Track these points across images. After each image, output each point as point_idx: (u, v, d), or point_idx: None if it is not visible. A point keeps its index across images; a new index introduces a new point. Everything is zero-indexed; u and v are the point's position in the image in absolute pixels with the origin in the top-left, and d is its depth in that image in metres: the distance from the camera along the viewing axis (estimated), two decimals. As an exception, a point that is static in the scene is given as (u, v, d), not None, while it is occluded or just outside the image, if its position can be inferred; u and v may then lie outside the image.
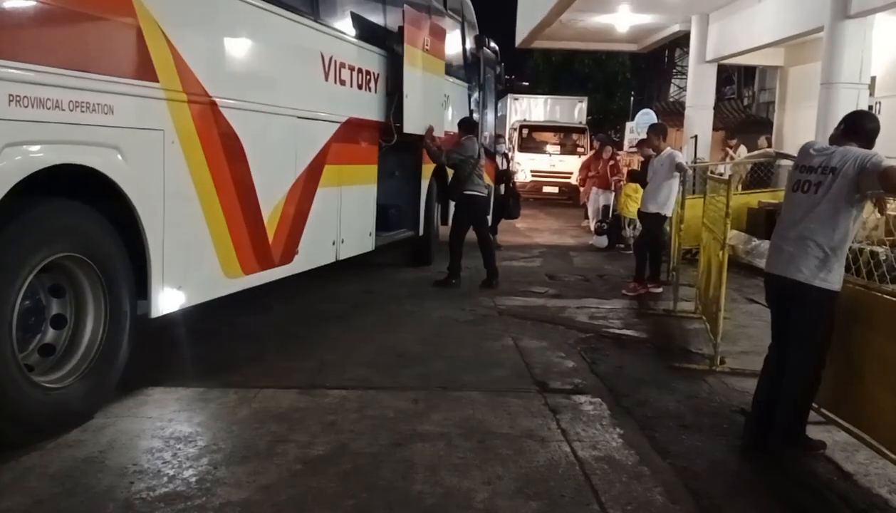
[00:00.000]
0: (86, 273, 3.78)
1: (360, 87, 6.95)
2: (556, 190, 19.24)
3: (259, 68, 5.32)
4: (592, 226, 12.44)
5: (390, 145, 7.58)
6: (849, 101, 10.71)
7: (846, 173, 3.57)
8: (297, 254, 5.81)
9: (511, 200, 11.42)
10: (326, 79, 6.24)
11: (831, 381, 3.78)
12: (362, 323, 6.23)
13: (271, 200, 5.41)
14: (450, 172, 8.58)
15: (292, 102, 5.68)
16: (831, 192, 3.61)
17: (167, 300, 4.29)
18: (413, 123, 7.72)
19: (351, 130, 6.72)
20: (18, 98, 3.26)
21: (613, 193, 12.23)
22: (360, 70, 6.91)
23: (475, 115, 10.70)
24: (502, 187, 11.39)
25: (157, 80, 4.14)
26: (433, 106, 8.51)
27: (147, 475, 3.22)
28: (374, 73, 7.25)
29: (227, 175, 4.83)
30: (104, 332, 3.86)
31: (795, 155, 4.06)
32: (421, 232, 8.92)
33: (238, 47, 5.10)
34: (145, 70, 4.05)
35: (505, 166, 11.69)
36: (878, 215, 4.03)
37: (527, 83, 34.35)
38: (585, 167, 13.18)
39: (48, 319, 3.72)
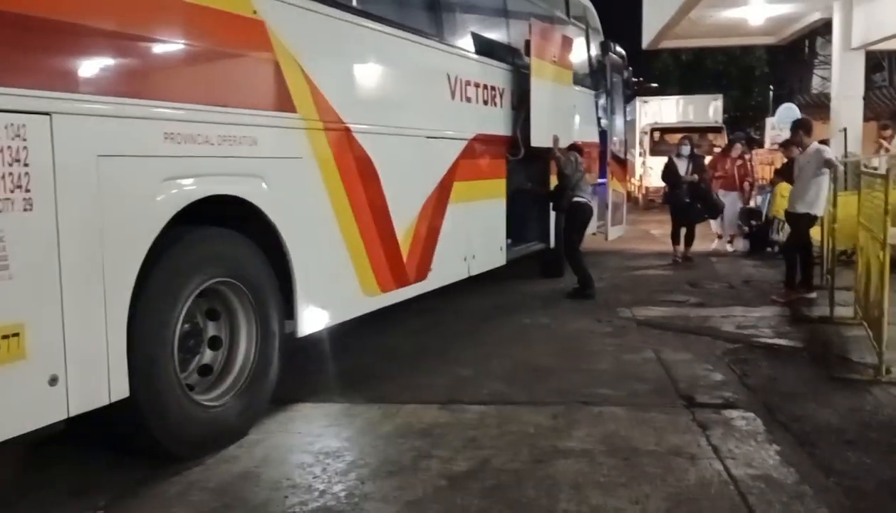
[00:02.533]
0: (238, 296, 4.00)
1: (486, 103, 7.00)
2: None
3: (388, 93, 5.47)
4: (716, 229, 11.66)
5: (518, 159, 7.57)
6: None
7: None
8: (430, 271, 5.90)
9: (699, 202, 10.30)
10: (453, 98, 6.34)
11: None
12: (495, 337, 6.22)
13: (404, 219, 5.54)
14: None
15: (421, 123, 5.80)
16: None
17: (312, 320, 4.47)
18: (540, 136, 7.68)
19: (478, 146, 6.77)
20: (172, 135, 3.51)
21: (741, 194, 11.44)
22: (485, 86, 6.96)
23: (602, 122, 10.52)
24: (684, 189, 10.27)
25: (296, 111, 4.35)
26: (560, 117, 8.44)
27: (300, 490, 3.34)
28: (499, 89, 7.28)
29: (362, 197, 5.00)
30: (256, 351, 4.07)
31: None
32: (552, 244, 8.83)
33: (368, 74, 5.27)
34: (284, 102, 4.27)
35: (691, 170, 10.34)
36: None
37: (656, 85, 33.47)
38: (711, 167, 11.82)
39: (205, 341, 3.97)
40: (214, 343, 3.99)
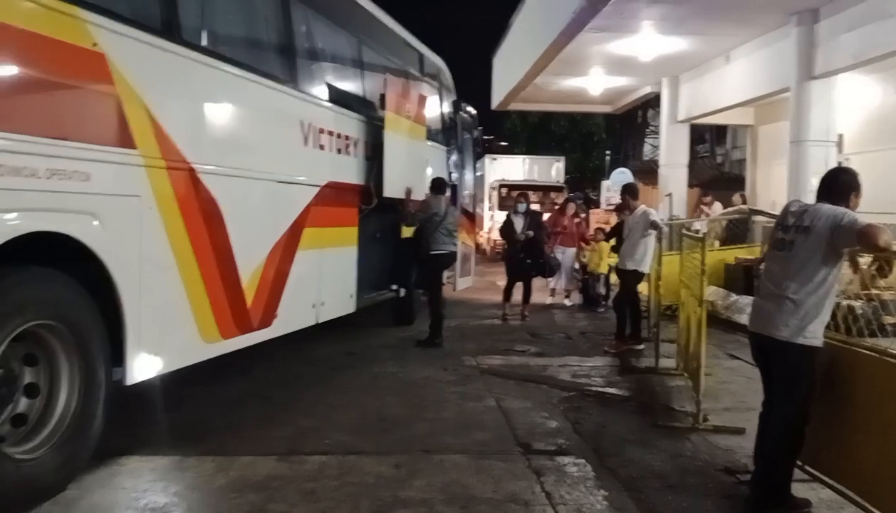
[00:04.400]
0: (60, 341, 3.72)
1: (339, 151, 7.03)
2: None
3: (238, 134, 5.37)
4: (551, 285, 11.95)
5: (370, 208, 7.63)
6: (818, 159, 11.03)
7: (818, 232, 3.63)
8: (276, 317, 5.76)
9: (532, 259, 10.26)
10: (306, 144, 6.31)
11: (814, 437, 3.77)
12: (343, 386, 6.16)
13: (250, 264, 5.40)
14: (407, 231, 8.62)
15: (271, 167, 5.72)
16: (804, 250, 3.67)
17: (143, 367, 4.22)
18: (393, 187, 7.80)
19: (330, 193, 6.76)
20: (-6, 166, 3.26)
21: (579, 250, 11.92)
22: (339, 135, 7.00)
23: (453, 176, 10.83)
24: (519, 246, 10.26)
25: (135, 147, 4.17)
26: (413, 170, 8.61)
27: (120, 551, 3.12)
28: (353, 139, 7.35)
29: (205, 240, 4.83)
30: (78, 400, 3.78)
31: (769, 211, 4.14)
32: (402, 293, 8.91)
33: (217, 114, 5.16)
34: (123, 137, 4.08)
35: (527, 225, 10.35)
36: (853, 273, 4.07)
37: (505, 143, 35.02)
38: (550, 224, 12.03)
39: (20, 389, 3.64)
40: (31, 391, 3.67)
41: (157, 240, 4.37)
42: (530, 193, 21.10)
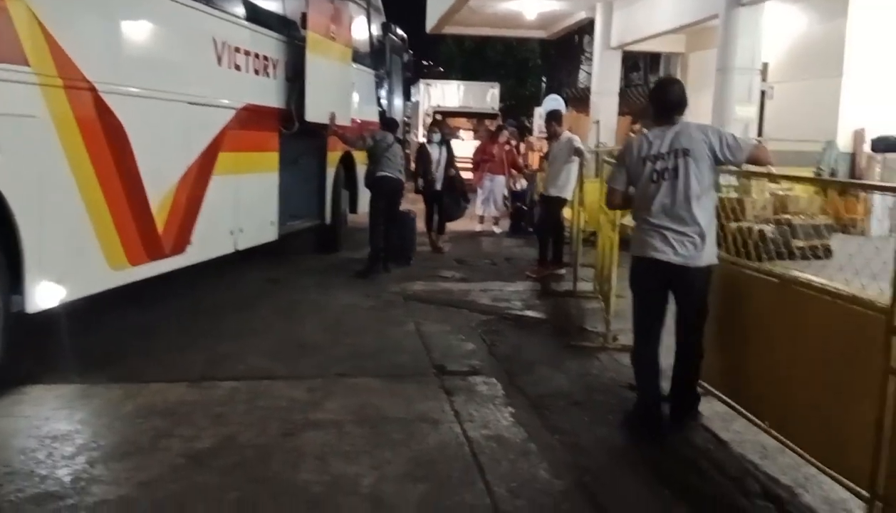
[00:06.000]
0: (-49, 268, 3.59)
1: (257, 72, 6.81)
2: (470, 175, 19.34)
3: (143, 52, 5.13)
4: (479, 211, 11.99)
5: (293, 133, 7.46)
6: (742, 86, 11.23)
7: (698, 152, 3.62)
8: (190, 245, 5.66)
9: (448, 197, 9.92)
10: (220, 64, 6.09)
11: (710, 355, 3.94)
12: (264, 313, 6.13)
13: (160, 188, 5.25)
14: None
15: (181, 88, 5.51)
16: (692, 173, 3.61)
17: (45, 295, 4.11)
18: (315, 111, 7.62)
19: (248, 116, 6.57)
20: None
21: (507, 178, 11.93)
22: (257, 55, 6.76)
23: (382, 102, 10.64)
24: (438, 183, 9.86)
25: (28, 64, 3.96)
26: (338, 93, 8.42)
27: (18, 476, 3.08)
28: (273, 59, 7.11)
29: (109, 163, 4.66)
30: (-26, 329, 3.67)
31: None
32: (328, 220, 8.83)
33: (120, 30, 4.91)
34: (13, 53, 3.87)
35: (442, 157, 9.90)
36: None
37: (442, 69, 34.48)
38: (480, 151, 12.19)
39: None
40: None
41: (55, 163, 4.21)
42: (464, 120, 21.07)
